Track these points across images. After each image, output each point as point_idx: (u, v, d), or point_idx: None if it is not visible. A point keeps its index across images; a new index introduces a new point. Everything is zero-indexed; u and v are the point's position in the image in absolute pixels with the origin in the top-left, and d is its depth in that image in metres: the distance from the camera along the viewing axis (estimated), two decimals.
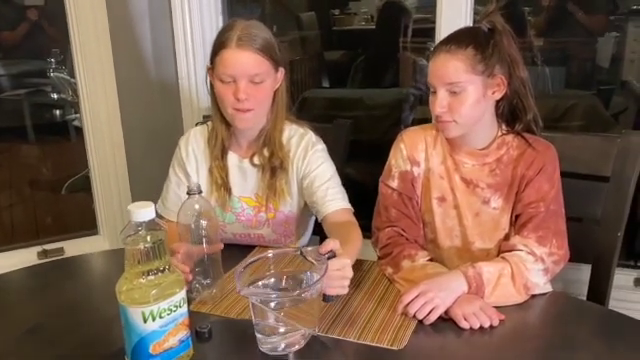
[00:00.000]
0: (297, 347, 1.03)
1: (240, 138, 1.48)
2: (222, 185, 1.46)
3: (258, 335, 1.04)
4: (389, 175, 1.39)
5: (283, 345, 1.03)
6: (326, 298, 1.08)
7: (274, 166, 1.44)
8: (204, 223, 1.18)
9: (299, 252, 1.10)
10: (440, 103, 1.26)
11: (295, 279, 1.10)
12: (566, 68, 2.76)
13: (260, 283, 1.09)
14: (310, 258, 1.08)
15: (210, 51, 1.41)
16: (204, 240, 1.19)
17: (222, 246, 1.24)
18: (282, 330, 1.02)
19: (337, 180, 1.45)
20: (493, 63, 1.25)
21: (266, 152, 1.45)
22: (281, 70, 1.42)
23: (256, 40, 1.35)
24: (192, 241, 1.20)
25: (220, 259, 1.24)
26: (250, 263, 1.08)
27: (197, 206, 1.18)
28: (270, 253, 1.12)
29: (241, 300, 1.23)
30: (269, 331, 1.03)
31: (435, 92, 1.28)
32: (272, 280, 1.10)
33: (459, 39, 1.27)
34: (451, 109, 1.26)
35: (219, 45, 1.36)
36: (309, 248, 1.10)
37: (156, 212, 0.96)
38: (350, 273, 1.09)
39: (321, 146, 1.47)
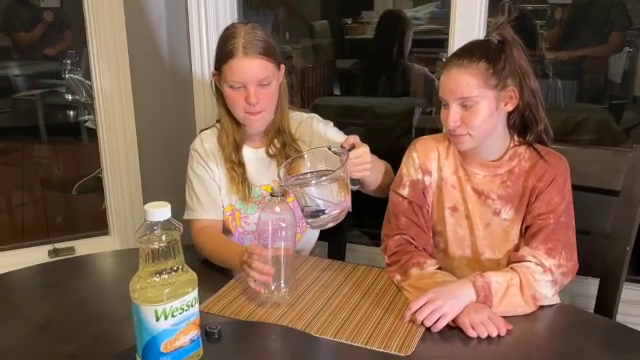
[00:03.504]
0: (339, 220, 1.27)
1: (251, 133, 1.54)
2: (240, 180, 1.50)
3: (307, 219, 1.27)
4: (400, 183, 1.40)
5: (329, 220, 1.26)
6: (354, 182, 1.34)
7: (289, 155, 1.48)
8: (283, 225, 1.22)
9: (328, 148, 1.31)
10: (453, 117, 1.27)
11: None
12: (578, 82, 2.76)
13: (300, 177, 1.31)
14: (334, 149, 1.28)
15: (215, 58, 1.47)
16: (282, 244, 1.22)
17: (295, 251, 1.29)
18: (326, 211, 1.24)
19: None
20: (505, 76, 1.26)
21: (277, 143, 1.52)
22: (282, 67, 1.49)
23: (259, 44, 1.41)
24: (269, 244, 1.22)
25: (294, 263, 1.29)
26: (288, 162, 1.31)
27: (278, 209, 1.22)
28: (305, 154, 1.35)
29: (250, 302, 1.25)
30: (317, 211, 1.25)
31: (447, 106, 1.29)
32: (309, 175, 1.32)
33: (471, 53, 1.27)
34: (464, 123, 1.27)
35: (226, 54, 1.41)
36: (333, 147, 1.30)
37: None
38: (368, 158, 1.30)
39: (332, 123, 1.58)
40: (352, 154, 1.26)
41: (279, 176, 1.26)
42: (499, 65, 1.25)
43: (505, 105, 1.28)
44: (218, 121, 1.55)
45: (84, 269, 1.53)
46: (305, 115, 1.57)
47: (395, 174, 1.45)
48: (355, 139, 1.29)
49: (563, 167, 1.31)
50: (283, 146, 1.51)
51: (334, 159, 1.27)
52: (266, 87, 1.43)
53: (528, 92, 1.29)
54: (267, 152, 1.53)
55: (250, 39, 1.40)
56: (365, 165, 1.30)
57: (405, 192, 1.39)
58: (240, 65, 1.39)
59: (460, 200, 1.36)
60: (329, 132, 1.54)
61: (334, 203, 1.23)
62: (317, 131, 1.54)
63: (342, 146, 1.28)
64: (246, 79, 1.40)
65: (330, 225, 1.27)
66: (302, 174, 1.32)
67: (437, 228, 1.40)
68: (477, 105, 1.25)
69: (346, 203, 1.26)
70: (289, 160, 1.32)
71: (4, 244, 2.31)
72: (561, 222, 1.27)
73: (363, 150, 1.29)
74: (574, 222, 1.30)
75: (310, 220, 1.27)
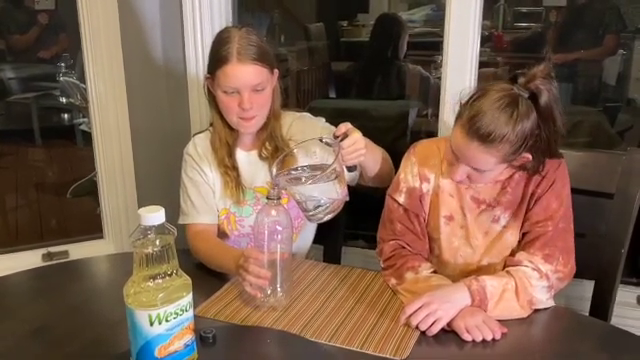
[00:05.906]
0: (337, 211, 1.25)
1: (244, 137, 1.53)
2: (234, 184, 1.50)
3: (306, 214, 1.26)
4: (397, 189, 1.38)
5: (325, 212, 1.25)
6: (350, 169, 1.31)
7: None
8: (279, 229, 1.21)
9: (320, 139, 1.28)
10: (461, 176, 1.26)
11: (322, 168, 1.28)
12: (573, 84, 2.77)
13: (292, 172, 1.30)
14: (326, 139, 1.27)
15: (208, 62, 1.47)
16: (278, 247, 1.22)
17: (291, 254, 1.28)
18: (322, 202, 1.24)
19: None
20: (526, 151, 1.21)
21: (269, 146, 1.51)
22: (275, 71, 1.48)
23: (253, 50, 1.40)
24: (265, 247, 1.22)
25: (290, 267, 1.28)
26: (280, 161, 1.30)
27: (274, 212, 1.21)
28: (294, 148, 1.35)
29: (245, 306, 1.25)
30: (314, 206, 1.24)
31: (458, 160, 1.25)
32: (304, 169, 1.31)
33: (498, 132, 1.16)
34: (471, 178, 1.27)
35: (220, 60, 1.40)
36: (325, 138, 1.28)
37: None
38: (362, 143, 1.28)
39: (323, 119, 1.56)
40: (345, 143, 1.25)
41: (272, 177, 1.25)
42: (525, 145, 1.19)
43: (515, 162, 1.25)
44: (211, 124, 1.55)
45: (79, 273, 1.53)
46: (297, 114, 1.57)
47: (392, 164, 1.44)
48: (347, 126, 1.28)
49: (561, 171, 1.30)
50: (275, 150, 1.50)
51: (327, 146, 1.27)
52: (260, 92, 1.42)
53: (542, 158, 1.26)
54: (259, 155, 1.52)
55: (244, 44, 1.39)
56: (360, 151, 1.28)
57: (401, 199, 1.37)
58: (234, 71, 1.39)
59: (457, 209, 1.35)
60: (321, 124, 1.54)
61: (331, 197, 1.23)
62: (309, 124, 1.53)
63: (335, 135, 1.26)
64: (240, 85, 1.40)
65: (329, 217, 1.26)
66: (294, 168, 1.31)
67: (432, 235, 1.39)
68: (490, 172, 1.25)
69: (343, 194, 1.25)
70: (280, 158, 1.31)
71: None
72: (559, 228, 1.26)
73: (356, 137, 1.27)
74: (573, 226, 1.29)
75: (308, 214, 1.26)
